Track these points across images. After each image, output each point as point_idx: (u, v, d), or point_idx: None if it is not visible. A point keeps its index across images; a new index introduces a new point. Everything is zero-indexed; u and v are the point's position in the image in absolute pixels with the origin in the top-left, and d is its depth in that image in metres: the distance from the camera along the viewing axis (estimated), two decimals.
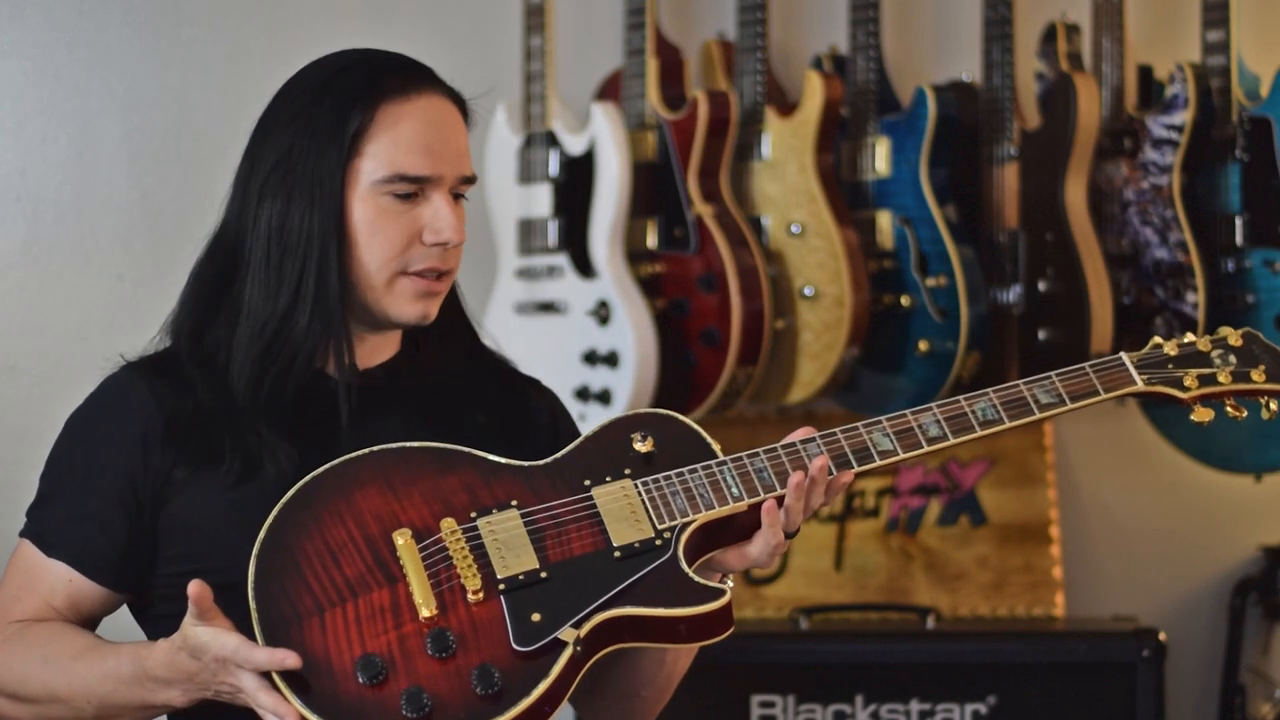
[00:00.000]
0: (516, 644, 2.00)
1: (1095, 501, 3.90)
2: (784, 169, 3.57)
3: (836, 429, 2.15)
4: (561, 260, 3.57)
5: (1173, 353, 2.22)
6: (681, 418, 2.18)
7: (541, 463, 2.14)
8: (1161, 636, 3.41)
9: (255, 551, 2.05)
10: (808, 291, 3.54)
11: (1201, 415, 2.21)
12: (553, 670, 1.99)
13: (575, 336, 3.56)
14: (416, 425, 2.22)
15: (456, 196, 2.22)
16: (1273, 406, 2.23)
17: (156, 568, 2.18)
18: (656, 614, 2.05)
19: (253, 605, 2.02)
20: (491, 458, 2.13)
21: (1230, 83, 3.46)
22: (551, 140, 3.58)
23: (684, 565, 2.07)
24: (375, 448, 2.12)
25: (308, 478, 2.10)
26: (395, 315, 2.21)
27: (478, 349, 2.35)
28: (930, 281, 3.51)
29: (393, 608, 2.03)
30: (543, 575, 2.05)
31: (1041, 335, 3.54)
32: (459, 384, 2.28)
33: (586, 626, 2.02)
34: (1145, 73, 3.63)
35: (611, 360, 3.51)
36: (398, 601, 2.03)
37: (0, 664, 2.16)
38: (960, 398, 2.17)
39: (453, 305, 2.31)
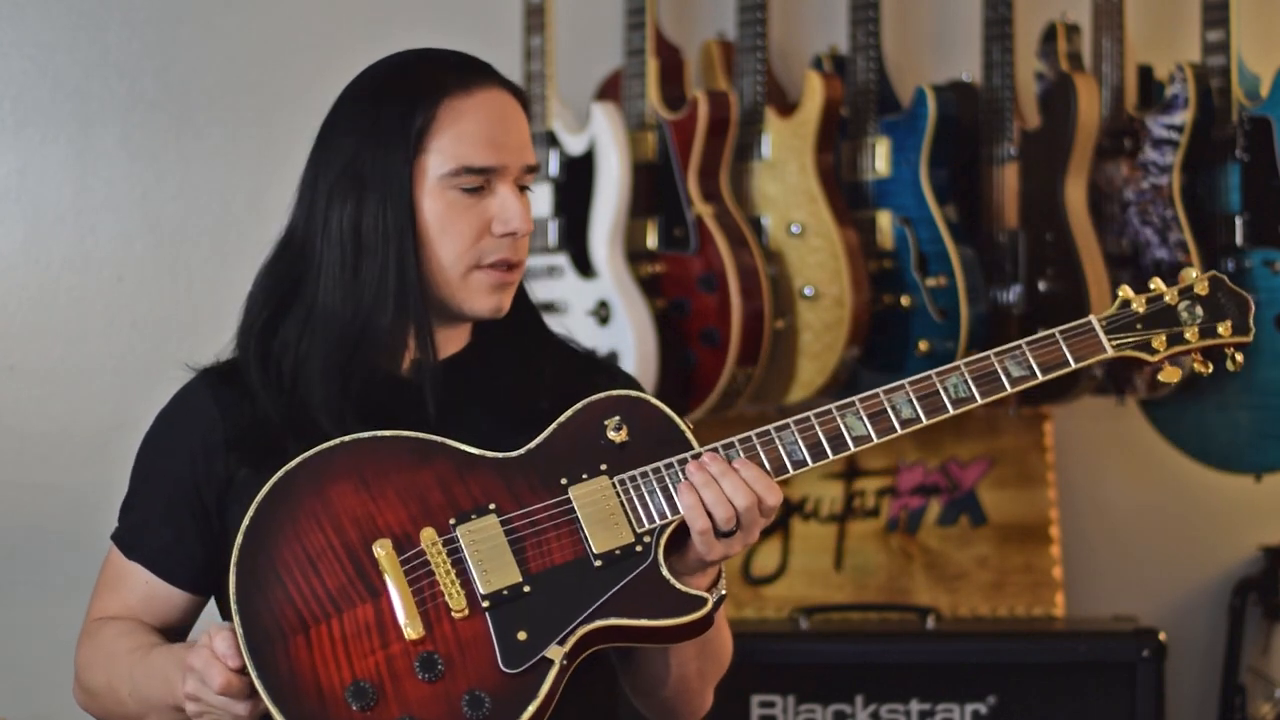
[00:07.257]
0: (504, 666, 2.02)
1: (1095, 501, 3.90)
2: (784, 169, 3.57)
3: (810, 413, 2.13)
4: (561, 260, 3.56)
5: (1141, 310, 2.17)
6: (654, 401, 2.16)
7: (516, 454, 2.13)
8: (1161, 636, 3.41)
9: (234, 558, 2.05)
10: (808, 291, 3.54)
11: (1169, 375, 2.17)
12: (541, 690, 2.01)
13: (575, 336, 3.52)
14: (482, 417, 2.22)
15: (522, 188, 2.23)
16: (1238, 358, 2.19)
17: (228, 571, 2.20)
18: (640, 624, 2.05)
19: (236, 619, 2.02)
20: (465, 448, 2.12)
21: (1230, 83, 3.46)
22: (551, 140, 3.58)
23: (664, 572, 2.07)
24: (347, 437, 2.11)
25: (281, 472, 2.10)
26: (470, 309, 2.22)
27: (547, 339, 2.35)
28: (930, 281, 3.51)
29: (378, 625, 2.04)
30: (525, 589, 2.05)
31: None
32: (525, 374, 2.27)
33: (571, 641, 2.03)
34: (1145, 73, 3.63)
35: (611, 360, 3.51)
36: (382, 619, 2.04)
37: (77, 656, 2.26)
38: (932, 372, 2.13)
39: (520, 297, 2.31)
